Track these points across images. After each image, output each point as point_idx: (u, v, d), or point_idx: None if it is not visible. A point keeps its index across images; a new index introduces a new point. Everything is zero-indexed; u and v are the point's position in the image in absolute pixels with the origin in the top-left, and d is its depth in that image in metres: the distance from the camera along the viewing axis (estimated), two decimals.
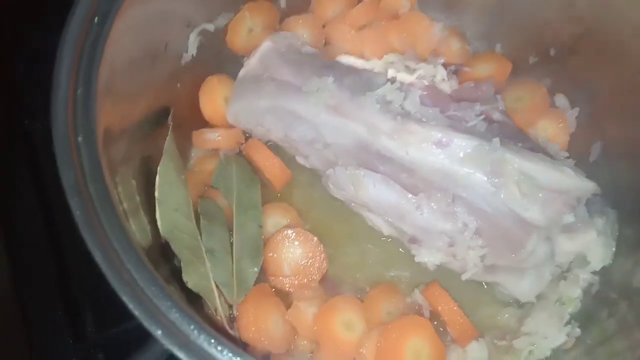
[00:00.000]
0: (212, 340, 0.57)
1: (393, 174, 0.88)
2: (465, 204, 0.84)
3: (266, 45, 1.01)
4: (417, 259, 0.90)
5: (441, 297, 0.89)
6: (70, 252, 1.03)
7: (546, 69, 1.04)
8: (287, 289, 0.92)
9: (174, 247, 0.85)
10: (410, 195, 0.86)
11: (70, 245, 1.03)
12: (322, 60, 0.99)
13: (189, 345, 0.57)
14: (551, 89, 1.04)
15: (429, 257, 0.89)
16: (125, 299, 0.58)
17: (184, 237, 0.87)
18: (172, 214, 0.88)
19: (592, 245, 0.90)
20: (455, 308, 0.88)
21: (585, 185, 0.86)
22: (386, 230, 0.94)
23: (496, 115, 0.90)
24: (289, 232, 0.93)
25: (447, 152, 0.84)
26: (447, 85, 0.97)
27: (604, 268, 0.91)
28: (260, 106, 0.97)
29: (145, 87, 0.88)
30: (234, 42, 1.06)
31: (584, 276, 0.91)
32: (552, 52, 1.02)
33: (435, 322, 0.90)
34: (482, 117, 0.88)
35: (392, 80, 0.93)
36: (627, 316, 0.80)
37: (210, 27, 1.00)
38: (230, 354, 0.57)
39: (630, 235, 0.90)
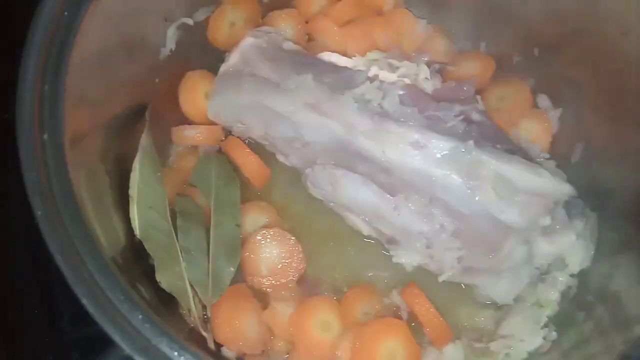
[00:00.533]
0: (175, 347, 0.56)
1: (371, 173, 0.87)
2: (442, 206, 0.83)
3: (247, 40, 0.99)
4: (395, 260, 0.90)
5: (418, 297, 0.88)
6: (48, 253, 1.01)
7: (530, 69, 1.03)
8: (264, 289, 0.91)
9: (148, 246, 0.84)
10: (388, 196, 0.86)
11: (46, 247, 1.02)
12: (303, 57, 0.98)
13: (149, 350, 0.56)
14: (534, 89, 1.03)
15: (406, 258, 0.88)
16: (84, 301, 0.56)
17: (158, 236, 0.86)
18: (147, 212, 0.86)
19: (571, 248, 0.89)
20: (431, 309, 0.87)
21: (562, 188, 0.85)
22: (366, 230, 0.93)
23: (475, 116, 0.88)
24: (267, 232, 0.93)
25: (424, 153, 0.83)
26: (430, 84, 0.95)
27: (582, 271, 0.90)
28: (241, 103, 0.95)
29: (120, 83, 0.86)
30: (215, 37, 1.05)
31: (562, 279, 0.90)
32: (536, 51, 1.01)
33: (413, 324, 0.89)
34: (461, 117, 0.87)
35: (373, 79, 0.91)
36: (603, 319, 0.80)
37: (190, 21, 0.98)
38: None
39: (610, 238, 0.89)
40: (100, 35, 0.77)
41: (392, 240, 0.89)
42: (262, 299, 0.91)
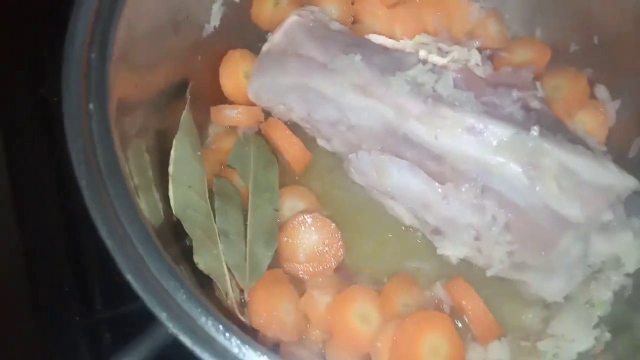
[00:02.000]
0: (220, 327, 0.54)
1: (420, 160, 0.84)
2: (495, 197, 0.80)
3: (292, 19, 0.97)
4: (439, 252, 0.87)
5: (466, 291, 0.85)
6: (83, 228, 1.01)
7: (588, 58, 0.99)
8: (301, 275, 0.89)
9: (186, 226, 0.82)
10: (436, 184, 0.82)
11: (83, 221, 1.00)
12: (351, 38, 0.94)
13: (194, 330, 0.53)
14: (592, 80, 0.99)
15: (452, 251, 0.85)
16: (128, 276, 0.54)
17: (196, 216, 0.84)
18: (185, 191, 0.84)
19: (628, 247, 0.84)
20: (481, 304, 0.84)
21: (628, 182, 0.81)
22: (408, 220, 0.90)
23: (534, 104, 0.84)
24: (306, 217, 0.90)
25: (480, 140, 0.80)
26: (481, 71, 0.92)
27: (637, 271, 0.86)
28: (283, 83, 0.93)
29: (163, 57, 0.84)
30: (259, 15, 1.02)
31: (617, 278, 0.86)
32: (595, 40, 0.97)
33: (458, 322, 0.86)
34: (520, 104, 0.83)
35: (424, 62, 0.88)
36: None
37: None
38: (238, 342, 0.53)
39: None
40: (148, 7, 0.76)
41: (437, 231, 0.86)
42: (298, 285, 0.88)
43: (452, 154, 0.81)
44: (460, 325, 0.87)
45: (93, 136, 0.61)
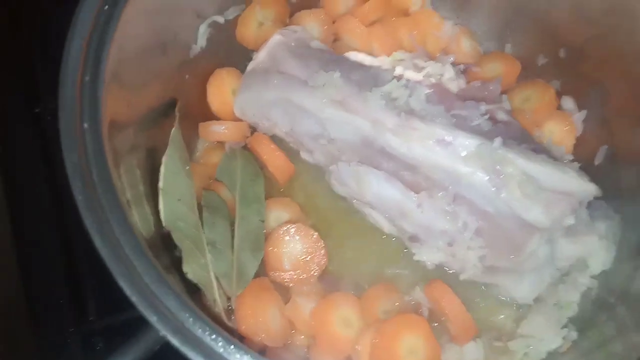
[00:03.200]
0: (207, 328, 0.58)
1: (396, 171, 0.88)
2: (466, 204, 0.84)
3: (275, 38, 1.01)
4: (416, 258, 0.90)
5: (444, 292, 0.89)
6: (77, 243, 1.04)
7: (555, 71, 1.04)
8: (286, 283, 0.93)
9: (176, 237, 0.85)
10: (412, 193, 0.87)
11: (77, 235, 1.04)
12: (330, 56, 0.99)
13: (183, 332, 0.58)
14: (559, 91, 1.04)
15: (428, 256, 0.89)
16: (122, 284, 0.59)
17: (186, 227, 0.88)
18: (175, 204, 0.88)
19: (593, 249, 0.89)
20: (459, 303, 0.87)
21: (588, 188, 0.85)
22: (387, 228, 0.94)
23: (501, 115, 0.89)
24: (290, 227, 0.94)
25: (449, 150, 0.84)
26: (455, 84, 0.97)
27: (603, 272, 0.91)
28: (267, 99, 0.97)
29: (153, 77, 0.88)
30: (243, 35, 1.07)
31: (583, 280, 0.91)
32: (562, 53, 1.02)
33: (435, 324, 0.90)
34: (487, 116, 0.88)
35: (399, 78, 0.93)
36: (625, 320, 0.80)
37: (220, 19, 1.01)
38: (222, 342, 0.57)
39: (632, 240, 0.90)
40: (137, 31, 0.80)
41: (414, 238, 0.90)
42: (283, 293, 0.92)
43: (425, 164, 0.86)
44: (438, 326, 0.90)
45: (88, 154, 0.65)
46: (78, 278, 1.03)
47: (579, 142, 1.02)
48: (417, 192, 0.86)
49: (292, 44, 1.00)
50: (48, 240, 1.03)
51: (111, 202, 0.64)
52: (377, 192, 0.89)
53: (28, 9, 1.18)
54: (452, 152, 0.84)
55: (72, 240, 1.05)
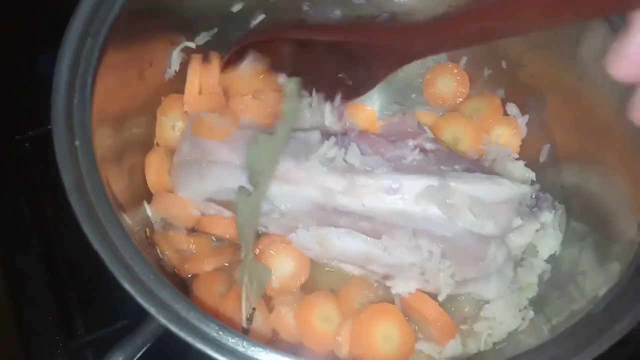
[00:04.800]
0: (199, 315, 0.65)
1: (353, 224, 0.90)
2: (426, 235, 0.88)
3: (189, 127, 0.98)
4: (393, 291, 0.92)
5: (423, 299, 0.92)
6: (62, 257, 1.09)
7: (499, 81, 1.13)
8: (269, 294, 0.96)
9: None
10: (374, 240, 0.89)
11: (62, 250, 1.09)
12: (251, 132, 0.96)
13: (179, 320, 0.64)
14: (504, 99, 1.13)
15: (404, 288, 0.91)
16: (122, 283, 0.65)
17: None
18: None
19: (540, 236, 0.97)
20: (438, 308, 0.91)
21: (522, 190, 0.92)
22: (358, 272, 0.96)
23: (428, 145, 0.95)
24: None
25: (400, 196, 0.88)
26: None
27: (554, 257, 0.99)
28: (209, 190, 0.95)
29: (133, 99, 0.95)
30: (167, 142, 1.03)
31: (538, 263, 0.99)
32: (503, 64, 1.11)
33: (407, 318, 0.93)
34: (417, 150, 0.93)
35: (327, 136, 0.94)
36: (573, 294, 0.88)
37: (192, 44, 1.05)
38: (216, 327, 0.64)
39: (576, 227, 0.99)
40: (117, 58, 0.85)
41: (387, 277, 0.92)
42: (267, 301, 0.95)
43: (380, 213, 0.89)
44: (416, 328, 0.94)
45: (80, 169, 0.72)
46: (63, 294, 1.06)
47: (525, 143, 1.10)
48: (378, 238, 0.89)
49: None
50: (35, 262, 1.05)
51: (105, 210, 0.70)
52: (342, 248, 0.90)
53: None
54: (402, 197, 0.88)
55: (57, 260, 1.08)
